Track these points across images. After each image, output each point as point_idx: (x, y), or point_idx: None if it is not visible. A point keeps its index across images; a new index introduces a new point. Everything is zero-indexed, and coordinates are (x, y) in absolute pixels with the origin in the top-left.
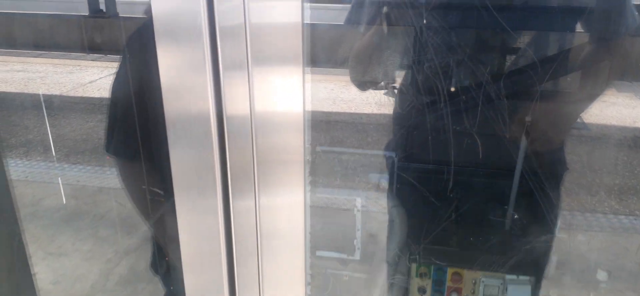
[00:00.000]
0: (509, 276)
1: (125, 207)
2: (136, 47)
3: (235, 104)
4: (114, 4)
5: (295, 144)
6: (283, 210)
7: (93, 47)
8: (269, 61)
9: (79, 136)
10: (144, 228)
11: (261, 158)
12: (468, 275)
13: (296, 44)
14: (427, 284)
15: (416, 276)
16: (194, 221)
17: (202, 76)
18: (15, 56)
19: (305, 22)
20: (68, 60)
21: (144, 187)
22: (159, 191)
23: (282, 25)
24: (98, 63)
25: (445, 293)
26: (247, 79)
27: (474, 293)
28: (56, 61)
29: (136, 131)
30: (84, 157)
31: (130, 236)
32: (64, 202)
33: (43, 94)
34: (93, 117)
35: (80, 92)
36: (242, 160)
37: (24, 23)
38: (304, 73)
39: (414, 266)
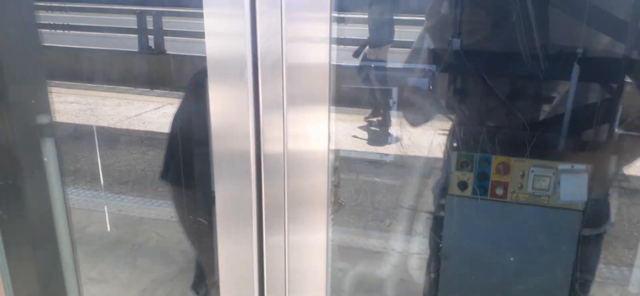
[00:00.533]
0: (562, 166)
1: (163, 237)
2: (193, 87)
3: (272, 143)
4: (162, 42)
5: (320, 183)
6: (308, 249)
7: (140, 82)
8: (301, 100)
9: (123, 167)
10: (179, 260)
11: (291, 196)
12: (516, 165)
13: (324, 84)
14: (469, 178)
15: (457, 168)
16: (232, 251)
17: (245, 114)
18: (69, 87)
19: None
20: (116, 93)
21: (191, 216)
22: (205, 220)
23: (313, 66)
24: (143, 97)
25: (489, 188)
26: (282, 119)
27: (521, 187)
28: (105, 93)
29: (189, 162)
30: (127, 187)
31: (167, 267)
32: (108, 230)
33: (92, 125)
34: (136, 149)
35: (126, 125)
36: (276, 198)
37: (79, 57)
38: (329, 112)
39: (454, 155)
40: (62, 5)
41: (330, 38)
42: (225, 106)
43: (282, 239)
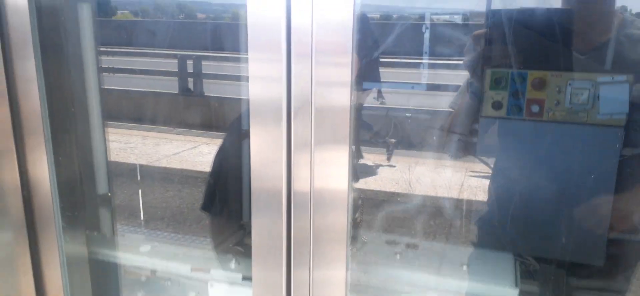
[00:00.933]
0: (601, 78)
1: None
2: (234, 127)
3: (300, 181)
4: (201, 84)
5: (340, 222)
6: (330, 286)
7: (178, 122)
8: (325, 141)
9: (158, 204)
10: None
11: (316, 234)
12: (552, 80)
13: (344, 125)
14: (503, 97)
15: (490, 87)
16: (264, 277)
17: (279, 153)
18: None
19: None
20: (155, 133)
21: (230, 244)
22: (241, 249)
23: (336, 108)
24: (181, 137)
25: (524, 107)
26: (309, 157)
27: (558, 104)
28: (145, 133)
29: (229, 196)
30: (162, 223)
31: None
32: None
33: (131, 163)
34: (172, 186)
35: (164, 163)
36: (302, 235)
37: (120, 98)
38: (350, 151)
39: (488, 72)
40: (108, 49)
41: (351, 82)
42: (263, 145)
43: (307, 275)
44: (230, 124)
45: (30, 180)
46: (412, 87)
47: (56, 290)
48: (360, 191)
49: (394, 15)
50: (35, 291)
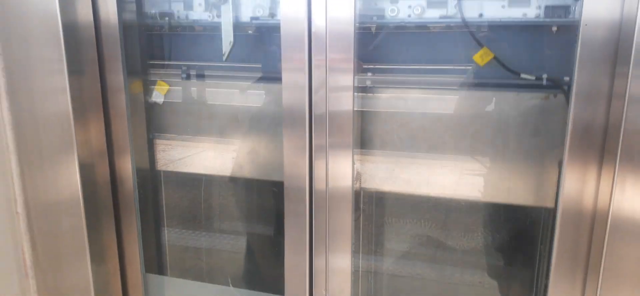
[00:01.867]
0: None
1: None
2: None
3: (319, 182)
4: None
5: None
6: (338, 274)
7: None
8: (337, 145)
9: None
10: None
11: (331, 227)
12: None
13: (348, 128)
14: None
15: None
16: (294, 262)
17: (303, 155)
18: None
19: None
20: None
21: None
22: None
23: (344, 113)
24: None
25: None
26: (325, 160)
27: None
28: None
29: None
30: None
31: None
32: None
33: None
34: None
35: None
36: (321, 228)
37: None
38: (353, 155)
39: None
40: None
41: (354, 87)
42: (293, 148)
43: (323, 264)
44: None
45: (117, 176)
46: None
47: (134, 258)
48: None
49: None
50: (118, 258)
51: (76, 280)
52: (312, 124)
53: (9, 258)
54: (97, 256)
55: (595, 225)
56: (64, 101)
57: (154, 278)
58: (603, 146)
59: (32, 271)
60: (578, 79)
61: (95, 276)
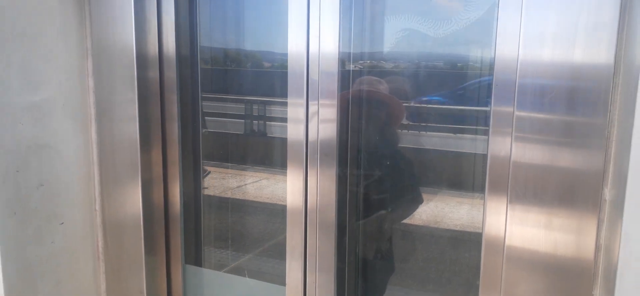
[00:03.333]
0: None
1: None
2: None
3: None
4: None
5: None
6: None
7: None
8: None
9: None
10: None
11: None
12: None
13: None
14: None
15: None
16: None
17: (300, 193)
18: None
19: None
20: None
21: None
22: None
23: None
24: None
25: None
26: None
27: None
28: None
29: None
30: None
31: None
32: None
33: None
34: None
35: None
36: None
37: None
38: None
39: None
40: None
41: (338, 120)
42: (297, 183)
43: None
44: None
45: (169, 200)
46: None
47: (177, 273)
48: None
49: None
50: (165, 252)
51: (134, 265)
52: None
53: (87, 243)
54: (149, 248)
55: None
56: (134, 127)
57: (192, 269)
58: None
59: (103, 255)
60: None
61: (147, 264)
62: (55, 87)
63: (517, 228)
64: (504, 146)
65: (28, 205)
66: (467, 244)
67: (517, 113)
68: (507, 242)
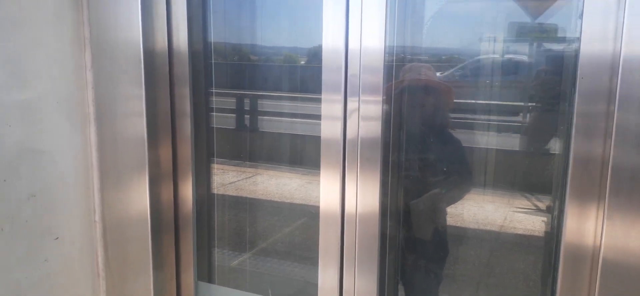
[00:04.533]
0: None
1: None
2: None
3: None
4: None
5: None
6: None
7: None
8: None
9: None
10: None
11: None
12: None
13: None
14: None
15: None
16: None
17: (336, 185)
18: None
19: None
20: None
21: None
22: None
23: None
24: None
25: None
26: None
27: None
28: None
29: None
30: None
31: None
32: None
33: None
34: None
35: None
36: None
37: None
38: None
39: None
40: None
41: (382, 117)
42: (331, 180)
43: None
44: None
45: (179, 196)
46: None
47: (189, 269)
48: None
49: None
50: (175, 266)
51: (139, 282)
52: None
53: (85, 259)
54: (158, 262)
55: None
56: (141, 124)
57: (206, 286)
58: None
59: (103, 272)
60: None
61: (155, 281)
62: (47, 83)
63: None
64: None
65: (17, 219)
66: (531, 250)
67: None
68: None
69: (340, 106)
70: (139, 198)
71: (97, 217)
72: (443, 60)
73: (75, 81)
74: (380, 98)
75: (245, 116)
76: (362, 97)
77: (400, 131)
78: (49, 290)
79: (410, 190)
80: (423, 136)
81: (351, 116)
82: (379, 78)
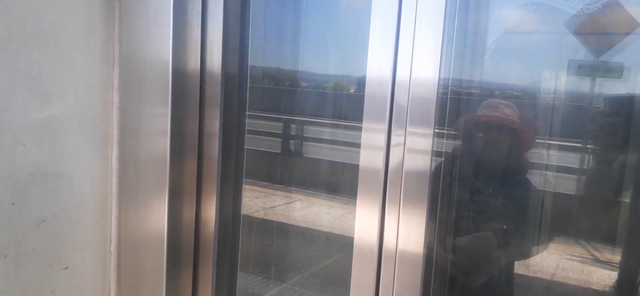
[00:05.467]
0: None
1: None
2: None
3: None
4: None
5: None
6: None
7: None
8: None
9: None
10: None
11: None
12: None
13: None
14: None
15: None
16: None
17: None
18: None
19: None
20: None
21: None
22: None
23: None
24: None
25: None
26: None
27: None
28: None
29: None
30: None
31: None
32: None
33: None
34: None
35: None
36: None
37: None
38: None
39: None
40: None
41: (432, 151)
42: (370, 210)
43: None
44: None
45: (201, 218)
46: None
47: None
48: None
49: None
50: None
51: None
52: None
53: (96, 293)
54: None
55: None
56: (164, 143)
57: None
58: None
59: None
60: None
61: None
62: (71, 101)
63: None
64: None
65: (24, 246)
66: None
67: None
68: None
69: (383, 136)
70: (156, 219)
71: (113, 247)
72: (506, 96)
73: (100, 99)
74: (431, 131)
75: (278, 139)
76: (409, 129)
77: (460, 169)
78: None
79: (464, 232)
80: (490, 178)
81: (396, 147)
82: (430, 110)
